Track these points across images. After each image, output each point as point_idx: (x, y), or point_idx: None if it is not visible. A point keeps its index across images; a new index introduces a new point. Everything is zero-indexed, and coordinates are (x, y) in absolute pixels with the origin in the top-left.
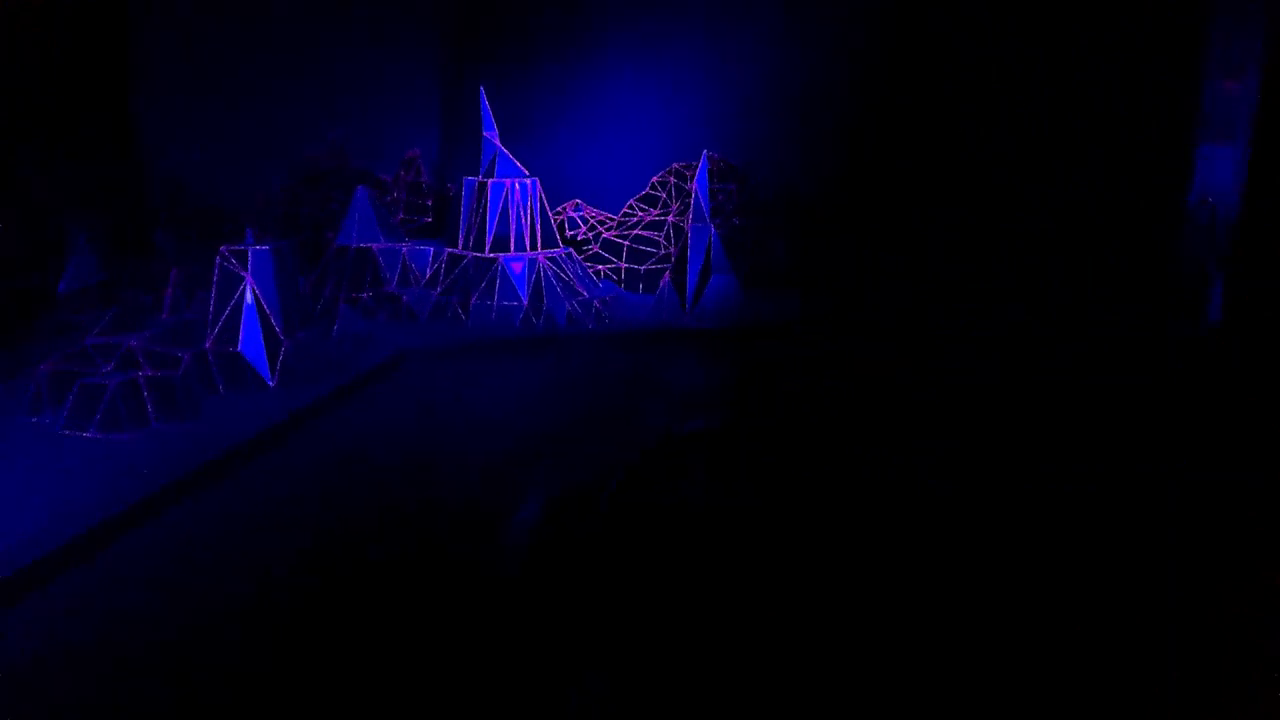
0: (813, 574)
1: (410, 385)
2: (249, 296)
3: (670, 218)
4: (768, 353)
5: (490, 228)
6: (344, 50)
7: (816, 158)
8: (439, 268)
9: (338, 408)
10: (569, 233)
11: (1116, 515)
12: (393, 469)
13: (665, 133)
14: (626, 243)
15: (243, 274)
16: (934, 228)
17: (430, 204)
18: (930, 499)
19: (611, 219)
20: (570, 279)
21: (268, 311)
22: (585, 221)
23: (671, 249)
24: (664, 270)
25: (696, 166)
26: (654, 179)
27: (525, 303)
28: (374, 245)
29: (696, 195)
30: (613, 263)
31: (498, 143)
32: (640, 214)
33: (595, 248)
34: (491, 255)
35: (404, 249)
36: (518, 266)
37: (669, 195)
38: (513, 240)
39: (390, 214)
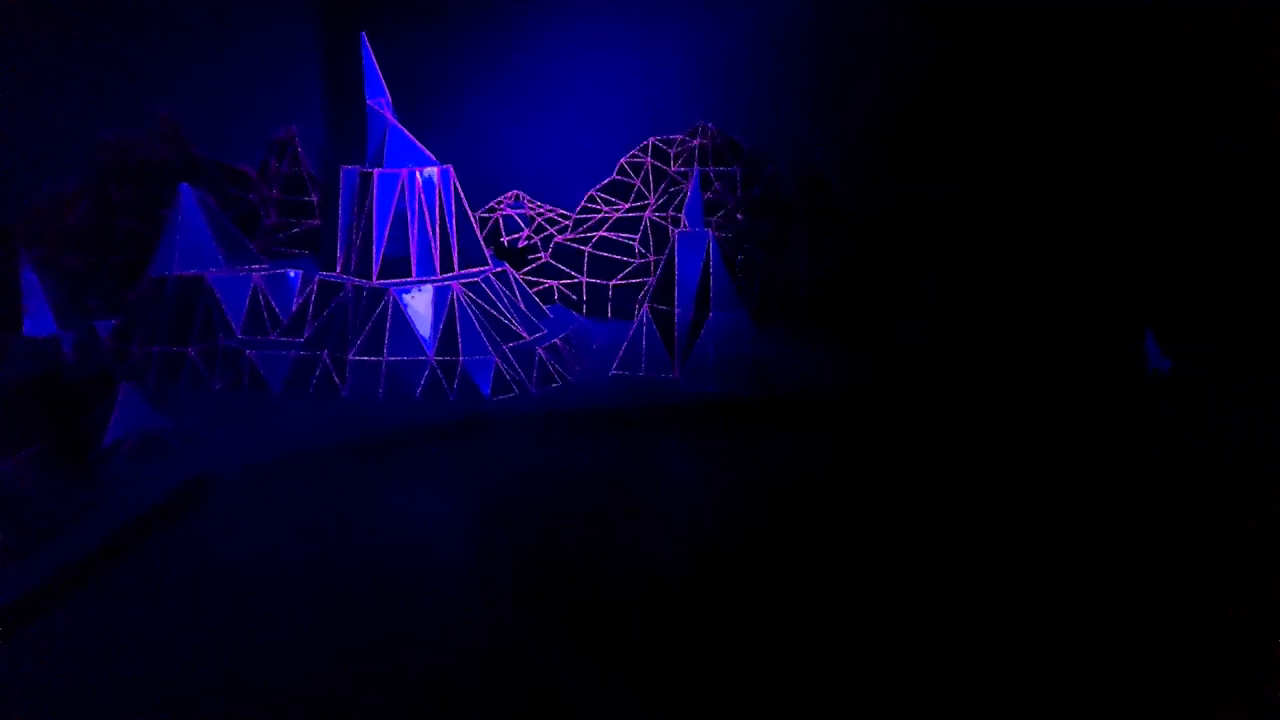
0: None
1: (193, 559)
2: None
3: (648, 214)
4: (805, 453)
5: (378, 241)
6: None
7: (852, 132)
8: (307, 301)
9: (32, 631)
10: (504, 238)
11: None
12: None
13: (638, 97)
14: (587, 249)
15: None
16: (1049, 239)
17: (316, 202)
18: None
19: (566, 216)
20: (502, 314)
21: None
22: (528, 221)
23: (650, 256)
24: (641, 287)
25: (682, 141)
26: (623, 160)
27: (431, 357)
28: (208, 273)
29: (688, 185)
30: (570, 277)
31: (389, 114)
32: (605, 209)
33: (544, 257)
34: (381, 284)
35: (257, 275)
36: (420, 300)
37: (645, 182)
38: (414, 259)
39: (258, 218)
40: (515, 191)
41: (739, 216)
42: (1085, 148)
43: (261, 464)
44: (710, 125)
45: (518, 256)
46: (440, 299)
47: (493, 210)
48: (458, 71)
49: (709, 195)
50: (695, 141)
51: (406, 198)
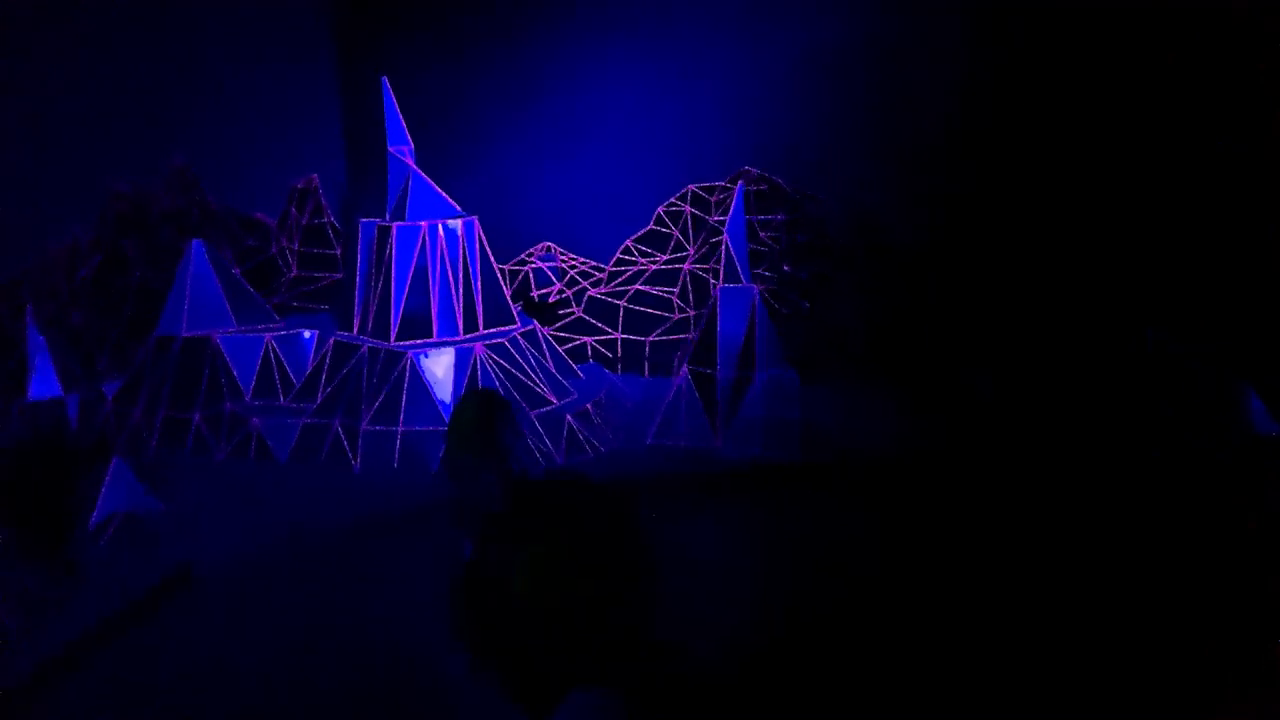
0: None
1: (171, 665)
2: None
3: (687, 265)
4: (862, 525)
5: (396, 300)
6: (193, 33)
7: (910, 174)
8: (321, 364)
9: None
10: (534, 293)
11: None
12: None
13: (677, 141)
14: (623, 304)
15: None
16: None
17: (340, 254)
18: None
19: (600, 269)
20: (530, 377)
21: None
22: (560, 275)
23: (690, 311)
24: (680, 343)
25: (723, 189)
26: (660, 209)
27: None
28: (216, 333)
29: (728, 235)
30: (604, 332)
31: (411, 162)
32: (642, 261)
33: (578, 312)
34: (399, 346)
35: (270, 336)
36: (440, 364)
37: (684, 232)
38: (435, 319)
39: (277, 271)
40: (546, 243)
41: (785, 267)
42: (1085, 148)
43: (256, 550)
44: (754, 170)
45: (549, 311)
46: (462, 362)
47: (523, 263)
48: (485, 116)
49: (753, 246)
50: (738, 188)
51: (428, 252)
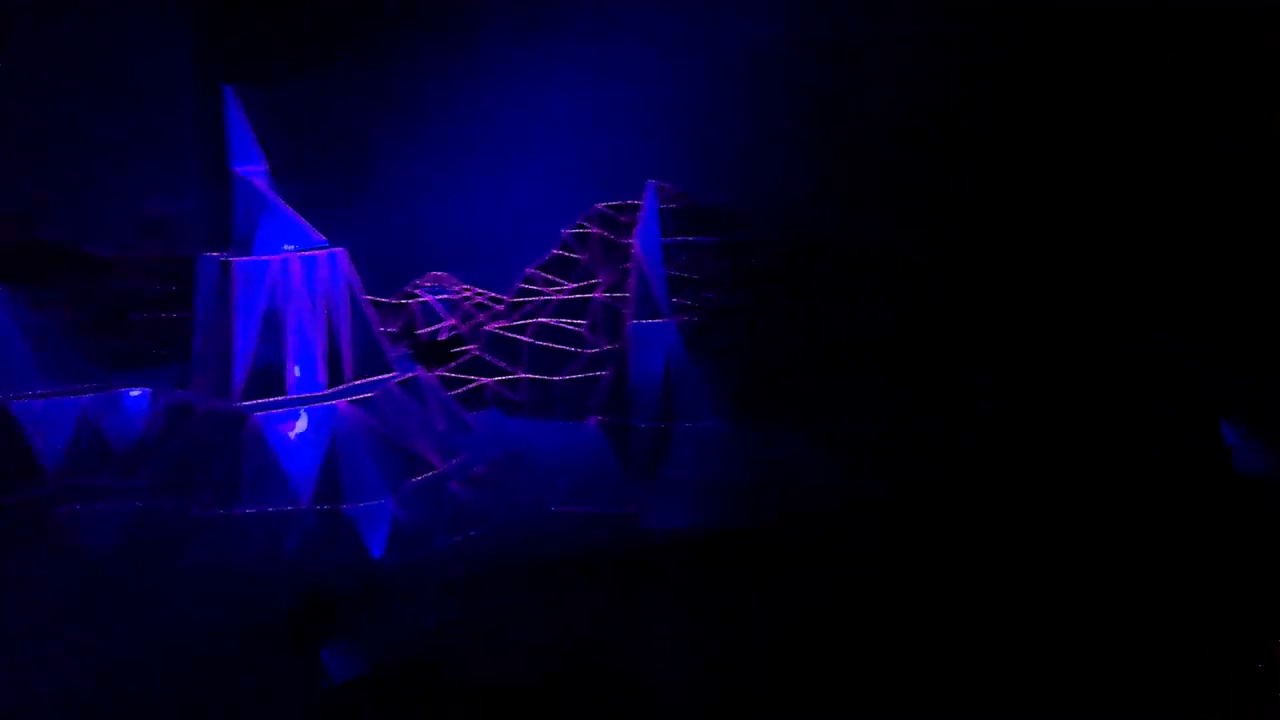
0: None
1: None
2: None
3: (598, 294)
4: (815, 604)
5: (240, 350)
6: (34, 51)
7: (847, 188)
8: (149, 431)
9: None
10: (421, 331)
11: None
12: None
13: (583, 155)
14: (526, 339)
15: None
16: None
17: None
18: None
19: (498, 300)
20: (406, 439)
21: None
22: (451, 309)
23: (604, 345)
24: (594, 383)
25: (637, 208)
26: (566, 231)
27: (308, 503)
28: (12, 399)
29: (639, 246)
30: (506, 372)
31: (260, 183)
32: (546, 291)
33: (473, 350)
34: (241, 407)
35: (85, 400)
36: (291, 428)
37: (593, 257)
38: (288, 372)
39: (122, 313)
40: (435, 274)
41: (708, 295)
42: (1085, 149)
43: (45, 699)
44: (668, 185)
45: (439, 351)
46: (321, 425)
47: (408, 297)
48: (361, 132)
49: (673, 272)
50: (647, 191)
51: (279, 292)
